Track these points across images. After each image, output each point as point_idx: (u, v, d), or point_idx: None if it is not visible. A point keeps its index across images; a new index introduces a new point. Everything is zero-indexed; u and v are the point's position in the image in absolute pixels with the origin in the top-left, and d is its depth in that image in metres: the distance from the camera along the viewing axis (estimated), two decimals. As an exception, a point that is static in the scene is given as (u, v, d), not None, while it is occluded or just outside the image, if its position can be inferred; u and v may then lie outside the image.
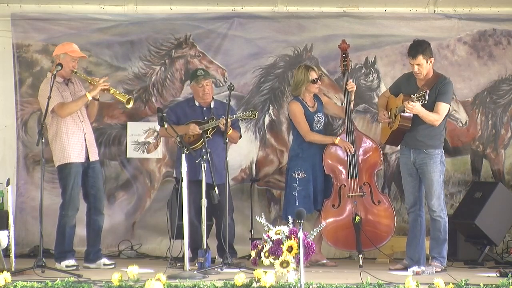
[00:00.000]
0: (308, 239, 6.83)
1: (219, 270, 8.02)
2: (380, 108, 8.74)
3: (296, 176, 8.95)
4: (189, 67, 9.92)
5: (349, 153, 8.92)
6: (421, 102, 8.11)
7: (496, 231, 9.14)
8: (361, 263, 8.66)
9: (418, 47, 8.31)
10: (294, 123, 9.07)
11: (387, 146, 9.74)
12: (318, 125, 9.07)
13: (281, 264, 6.83)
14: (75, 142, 8.49)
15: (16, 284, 6.83)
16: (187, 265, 7.67)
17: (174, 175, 9.25)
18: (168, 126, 8.24)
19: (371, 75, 9.94)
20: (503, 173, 9.89)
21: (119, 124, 9.84)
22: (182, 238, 7.73)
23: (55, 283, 6.87)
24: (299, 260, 6.53)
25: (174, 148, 9.74)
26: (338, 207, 8.93)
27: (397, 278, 7.21)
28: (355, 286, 6.88)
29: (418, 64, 8.30)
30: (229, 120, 8.65)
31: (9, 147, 9.91)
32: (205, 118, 8.96)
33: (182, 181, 7.70)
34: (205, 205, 7.97)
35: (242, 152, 9.87)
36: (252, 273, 6.90)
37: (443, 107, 8.26)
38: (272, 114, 9.96)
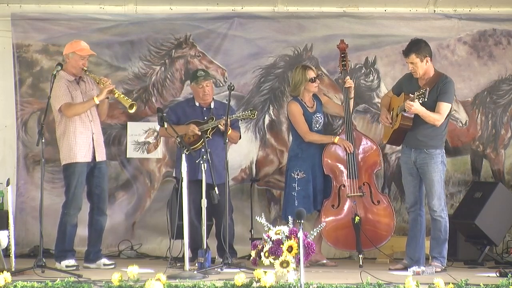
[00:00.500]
0: (308, 239, 6.83)
1: (219, 270, 8.02)
2: (383, 108, 8.74)
3: (296, 176, 8.95)
4: (189, 67, 9.92)
5: (348, 152, 8.92)
6: (421, 100, 8.10)
7: (496, 231, 9.14)
8: (361, 263, 8.66)
9: (412, 46, 8.33)
10: (293, 124, 9.07)
11: (387, 146, 9.75)
12: (317, 125, 9.07)
13: (281, 264, 6.83)
14: (82, 142, 8.50)
15: (16, 284, 6.83)
16: (187, 265, 7.67)
17: (174, 174, 9.25)
18: (168, 126, 8.24)
19: (371, 75, 9.94)
20: (503, 173, 9.89)
21: (119, 124, 9.84)
22: (182, 238, 7.73)
23: (55, 283, 6.87)
24: (299, 260, 6.53)
25: (174, 148, 9.74)
26: (338, 207, 8.93)
27: (397, 278, 7.22)
28: (355, 286, 6.88)
29: (411, 63, 8.32)
30: (228, 120, 8.65)
31: (9, 147, 9.91)
32: (205, 118, 8.96)
33: (182, 181, 7.70)
34: (205, 205, 7.97)
35: (242, 152, 9.87)
36: (252, 273, 6.90)
37: (444, 107, 8.26)
38: (272, 114, 9.96)
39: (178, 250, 8.59)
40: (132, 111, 8.55)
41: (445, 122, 8.35)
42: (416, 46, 8.31)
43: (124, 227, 9.85)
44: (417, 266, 8.11)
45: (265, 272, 6.76)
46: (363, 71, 9.93)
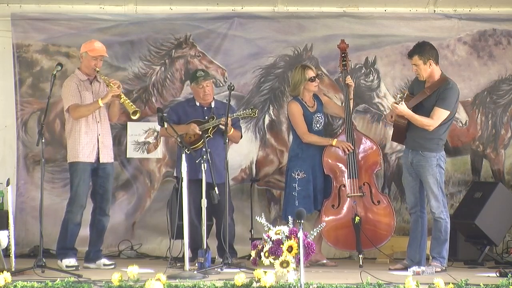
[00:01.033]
0: (308, 239, 6.83)
1: (219, 270, 8.02)
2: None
3: (296, 176, 8.96)
4: (189, 67, 9.92)
5: (347, 152, 8.92)
6: (400, 102, 8.13)
7: (496, 231, 9.14)
8: (361, 263, 8.66)
9: (416, 48, 8.33)
10: (292, 124, 9.07)
11: (387, 146, 9.77)
12: (318, 125, 9.07)
13: (281, 264, 6.83)
14: (86, 142, 8.50)
15: (16, 284, 6.83)
16: (187, 265, 7.67)
17: (175, 174, 9.25)
18: (168, 126, 8.24)
19: (371, 75, 9.94)
20: (503, 173, 9.90)
21: (119, 124, 9.83)
22: (182, 238, 7.73)
23: (55, 283, 6.87)
24: (299, 260, 6.53)
25: (174, 148, 9.74)
26: (338, 207, 8.93)
27: (397, 278, 7.21)
28: (355, 286, 6.88)
29: (414, 64, 8.32)
30: (230, 119, 8.65)
31: (9, 147, 9.91)
32: (206, 117, 8.96)
33: (182, 181, 7.70)
34: (205, 205, 7.97)
35: (242, 152, 9.87)
36: (252, 273, 6.90)
37: (439, 112, 8.23)
38: (272, 114, 9.96)
39: (178, 250, 8.59)
40: (135, 117, 8.57)
41: (444, 127, 8.30)
42: (420, 48, 8.31)
43: (124, 227, 9.85)
44: (417, 266, 8.11)
45: (265, 272, 6.76)
46: (363, 71, 9.93)
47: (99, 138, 8.58)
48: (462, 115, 9.88)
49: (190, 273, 7.52)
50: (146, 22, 9.96)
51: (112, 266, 8.50)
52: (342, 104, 9.39)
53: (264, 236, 7.01)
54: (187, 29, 9.95)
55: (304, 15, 9.98)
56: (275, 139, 9.97)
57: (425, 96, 8.32)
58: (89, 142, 8.53)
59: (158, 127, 9.56)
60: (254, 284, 6.75)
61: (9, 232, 7.94)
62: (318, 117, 9.08)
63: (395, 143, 9.55)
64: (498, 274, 7.72)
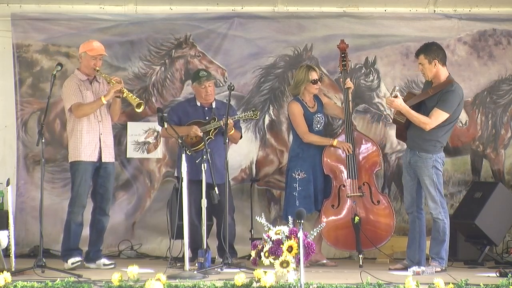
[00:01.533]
0: (308, 239, 6.83)
1: (219, 270, 8.02)
2: None
3: (297, 176, 8.96)
4: (189, 67, 9.92)
5: (347, 154, 8.92)
6: (393, 95, 8.17)
7: (496, 231, 9.14)
8: (361, 263, 8.67)
9: (423, 47, 8.35)
10: (293, 124, 9.07)
11: (387, 146, 9.77)
12: (318, 126, 9.07)
13: (281, 264, 6.82)
14: (88, 142, 8.51)
15: (16, 284, 6.83)
16: (187, 265, 7.67)
17: (176, 174, 9.25)
18: (168, 126, 8.24)
19: (371, 75, 9.94)
20: (503, 173, 9.90)
21: (119, 124, 9.82)
22: (182, 238, 7.73)
23: (55, 283, 6.87)
24: (299, 260, 6.53)
25: (174, 148, 9.74)
26: (338, 207, 8.93)
27: (397, 278, 7.21)
28: (355, 286, 6.88)
29: (420, 64, 8.33)
30: (231, 121, 8.65)
31: (9, 147, 9.91)
32: (207, 118, 8.96)
33: (182, 181, 7.70)
34: (205, 205, 7.97)
35: (242, 152, 9.87)
36: (252, 273, 6.90)
37: (437, 113, 8.21)
38: (272, 114, 9.96)
39: (178, 250, 8.59)
40: (139, 110, 8.58)
41: (443, 130, 8.28)
42: (426, 48, 8.32)
43: (124, 227, 9.85)
44: (417, 266, 8.11)
45: (265, 272, 6.76)
46: (363, 71, 9.93)
47: (101, 137, 8.59)
48: (462, 115, 9.85)
49: (190, 273, 7.51)
50: (146, 22, 9.96)
51: (112, 266, 8.51)
52: (342, 104, 9.39)
53: (264, 236, 7.00)
54: (187, 29, 9.95)
55: (304, 15, 9.98)
56: (275, 139, 9.97)
57: (427, 96, 8.32)
58: (91, 141, 8.53)
59: (158, 127, 9.57)
60: (254, 284, 6.75)
61: (9, 232, 7.94)
62: (319, 117, 9.08)
63: (395, 143, 9.56)
64: (498, 274, 7.72)
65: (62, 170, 9.67)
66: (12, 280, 6.93)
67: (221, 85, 9.81)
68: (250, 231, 9.48)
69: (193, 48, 9.96)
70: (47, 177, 9.49)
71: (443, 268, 8.26)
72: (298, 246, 6.63)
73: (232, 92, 8.59)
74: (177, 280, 6.95)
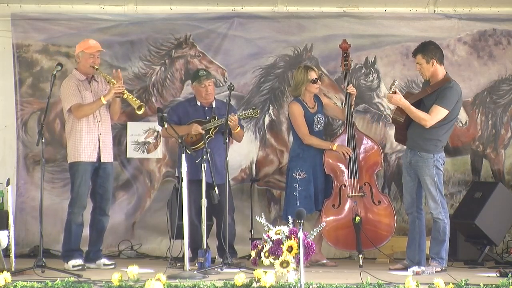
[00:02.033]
0: (308, 239, 6.83)
1: (219, 270, 8.02)
2: None
3: (297, 176, 8.96)
4: (189, 67, 9.92)
5: (347, 157, 8.92)
6: (391, 90, 8.20)
7: (496, 231, 9.14)
8: (361, 263, 8.66)
9: (420, 46, 8.37)
10: (293, 125, 9.07)
11: (387, 146, 9.77)
12: (319, 126, 9.07)
13: (281, 264, 6.83)
14: (87, 142, 8.50)
15: (16, 284, 6.83)
16: (187, 265, 7.67)
17: (176, 174, 9.24)
18: (168, 126, 8.24)
19: (371, 75, 9.94)
20: (503, 173, 9.90)
21: (119, 124, 9.83)
22: (182, 238, 7.74)
23: (55, 283, 6.87)
24: (299, 260, 6.53)
25: (174, 148, 9.74)
26: (338, 207, 8.94)
27: (397, 278, 7.22)
28: (355, 286, 6.88)
29: (417, 63, 8.34)
30: (236, 117, 8.67)
31: (9, 147, 9.91)
32: (207, 117, 8.96)
33: (182, 181, 7.70)
34: (205, 205, 7.97)
35: (242, 152, 9.87)
36: (252, 273, 6.90)
37: (436, 110, 8.22)
38: (272, 114, 9.95)
39: (178, 250, 8.59)
40: (140, 112, 8.58)
41: (443, 129, 8.29)
42: (424, 47, 8.34)
43: (124, 227, 9.85)
44: (417, 266, 8.11)
45: (265, 272, 6.76)
46: (363, 71, 9.93)
47: (100, 138, 8.58)
48: (462, 115, 9.87)
49: (190, 273, 7.52)
50: (146, 22, 9.95)
51: (112, 266, 8.51)
52: (342, 104, 9.39)
53: (264, 236, 7.01)
54: (187, 29, 9.94)
55: (304, 15, 9.98)
56: (275, 139, 9.97)
57: (425, 94, 8.33)
58: (91, 141, 8.53)
59: (158, 127, 9.57)
60: (254, 284, 6.75)
61: (9, 232, 7.94)
62: (319, 117, 9.08)
63: (395, 143, 9.55)
64: (498, 274, 7.72)
65: (62, 170, 9.67)
66: (12, 280, 6.93)
67: (221, 85, 9.81)
68: (250, 231, 9.48)
69: (193, 48, 9.96)
70: (47, 177, 9.49)
71: (443, 268, 8.26)
72: (298, 246, 6.63)
73: (232, 92, 8.60)
74: (177, 280, 6.95)
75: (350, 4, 9.95)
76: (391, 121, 8.67)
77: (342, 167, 8.98)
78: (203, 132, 8.81)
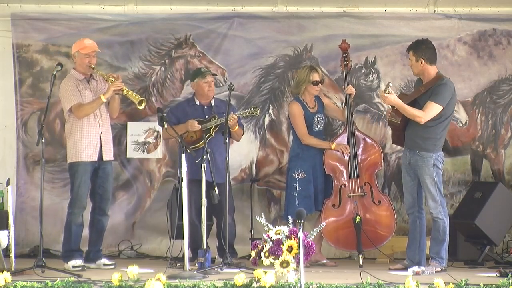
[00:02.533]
0: (308, 239, 6.83)
1: (219, 270, 8.02)
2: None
3: (297, 176, 8.96)
4: (189, 67, 9.92)
5: (346, 155, 8.92)
6: (387, 92, 8.24)
7: (496, 231, 9.14)
8: (361, 263, 8.66)
9: (413, 44, 8.45)
10: (293, 125, 9.08)
11: (387, 146, 9.77)
12: (319, 126, 9.07)
13: (281, 264, 6.83)
14: (88, 141, 8.50)
15: (16, 284, 6.83)
16: (187, 265, 7.67)
17: (178, 175, 9.19)
18: (168, 126, 8.24)
19: (371, 75, 9.94)
20: (503, 173, 9.89)
21: (119, 124, 9.83)
22: (182, 238, 7.74)
23: (55, 283, 6.87)
24: (299, 260, 6.53)
25: (174, 148, 9.74)
26: (339, 207, 8.94)
27: (397, 278, 7.22)
28: (355, 286, 6.88)
29: (409, 59, 8.41)
30: (236, 116, 8.68)
31: (9, 147, 9.90)
32: (206, 116, 8.95)
33: (182, 181, 7.70)
34: (205, 205, 7.97)
35: (242, 152, 9.87)
36: (252, 273, 6.90)
37: (430, 106, 8.24)
38: (272, 114, 9.95)
39: (178, 250, 8.59)
40: (141, 107, 8.57)
41: (440, 126, 8.30)
42: (415, 45, 8.41)
43: (124, 227, 9.85)
44: (417, 266, 8.11)
45: (265, 272, 6.76)
46: (363, 71, 9.93)
47: (101, 136, 8.58)
48: (462, 115, 9.88)
49: (190, 273, 7.52)
50: (146, 22, 9.95)
51: (112, 266, 8.51)
52: (342, 104, 9.39)
53: (264, 236, 7.01)
54: (187, 29, 9.94)
55: (304, 15, 9.97)
56: (275, 139, 9.97)
57: (419, 93, 8.37)
58: (92, 141, 8.53)
59: (158, 127, 9.57)
60: (254, 284, 6.75)
61: (9, 232, 7.95)
62: (319, 117, 9.08)
63: (395, 143, 9.56)
64: (498, 274, 7.72)
65: (62, 170, 9.66)
66: (12, 280, 6.93)
67: (221, 85, 9.81)
68: (250, 231, 9.48)
69: (193, 48, 9.96)
70: (47, 177, 9.49)
71: (443, 268, 8.26)
72: (298, 246, 6.63)
73: (232, 92, 8.60)
74: (177, 280, 6.95)
75: (350, 4, 9.95)
76: (387, 123, 8.69)
77: (342, 167, 8.99)
78: (199, 127, 8.81)
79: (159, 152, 9.93)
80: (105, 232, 8.81)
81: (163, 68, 9.96)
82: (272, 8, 10.03)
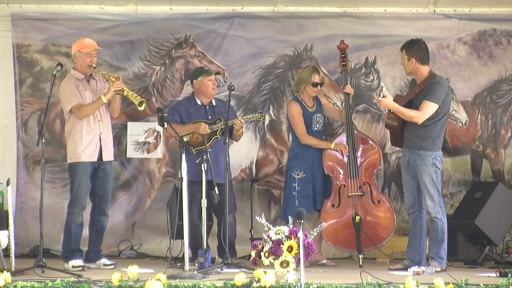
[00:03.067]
0: (308, 239, 6.83)
1: (219, 270, 8.03)
2: None
3: (296, 176, 8.96)
4: (189, 67, 9.92)
5: (345, 155, 8.92)
6: (381, 96, 8.28)
7: (496, 231, 9.14)
8: (361, 263, 8.66)
9: (406, 43, 8.51)
10: (292, 125, 9.09)
11: (387, 146, 9.77)
12: (318, 126, 9.08)
13: (281, 264, 6.83)
14: (88, 142, 8.49)
15: (16, 284, 6.83)
16: (187, 265, 7.67)
17: (179, 175, 9.12)
18: (172, 126, 8.24)
19: (371, 75, 9.94)
20: (503, 173, 9.90)
21: (119, 124, 9.83)
22: (182, 238, 7.74)
23: (55, 283, 6.87)
24: (299, 260, 6.53)
25: (174, 148, 9.74)
26: (338, 207, 8.94)
27: (397, 278, 7.21)
28: (355, 286, 6.88)
29: (402, 58, 8.46)
30: (243, 120, 8.77)
31: (9, 147, 9.90)
32: (209, 117, 8.93)
33: (182, 181, 7.70)
34: (205, 205, 7.97)
35: (242, 152, 9.87)
36: (252, 273, 6.90)
37: (426, 105, 8.27)
38: (272, 114, 9.96)
39: (178, 250, 8.59)
40: (141, 108, 8.57)
41: (438, 124, 8.31)
42: (408, 44, 8.48)
43: (124, 227, 9.85)
44: (417, 266, 8.11)
45: (265, 272, 6.76)
46: (363, 71, 9.94)
47: (101, 137, 8.58)
48: (462, 115, 9.88)
49: (190, 273, 7.52)
50: (146, 22, 9.95)
51: (112, 266, 8.51)
52: (342, 104, 9.39)
53: (264, 236, 7.01)
54: (187, 29, 9.94)
55: (304, 15, 9.98)
56: (275, 139, 9.97)
57: (414, 94, 8.41)
58: (92, 141, 8.52)
59: (158, 127, 9.57)
60: (254, 284, 6.75)
61: (9, 232, 7.95)
62: (318, 117, 9.08)
63: (395, 143, 9.56)
64: (498, 274, 7.72)
65: (62, 170, 9.66)
66: (12, 280, 6.93)
67: (221, 85, 9.80)
68: (250, 231, 9.48)
69: (193, 48, 9.96)
70: (47, 177, 9.49)
71: (443, 268, 8.26)
72: (298, 246, 6.63)
73: (232, 92, 8.60)
74: (177, 280, 6.95)
75: (350, 4, 9.95)
76: (384, 126, 8.72)
77: (342, 167, 8.98)
78: (209, 132, 8.81)
79: (159, 152, 9.93)
80: (105, 232, 8.81)
81: (163, 68, 9.96)
82: (272, 8, 10.03)
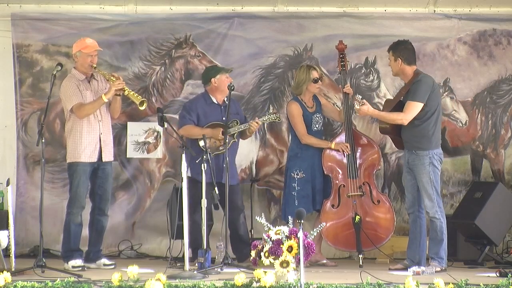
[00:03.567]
0: (308, 239, 6.83)
1: (219, 270, 8.03)
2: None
3: (295, 176, 8.96)
4: (189, 67, 9.92)
5: (346, 154, 8.93)
6: (357, 105, 8.40)
7: (496, 231, 9.14)
8: (361, 263, 8.66)
9: (393, 44, 8.58)
10: (292, 124, 9.09)
11: (387, 146, 9.78)
12: (317, 125, 9.08)
13: (281, 264, 6.83)
14: (88, 142, 8.49)
15: (16, 284, 6.83)
16: (187, 265, 7.67)
17: (189, 174, 8.97)
18: (193, 126, 8.27)
19: (371, 75, 9.94)
20: (503, 173, 9.90)
21: (119, 124, 9.83)
22: (182, 238, 7.74)
23: (55, 283, 6.87)
24: (299, 260, 6.53)
25: (174, 148, 9.74)
26: (338, 207, 8.94)
27: (397, 278, 7.22)
28: (355, 286, 6.89)
29: (389, 59, 8.54)
30: (260, 122, 8.93)
31: (9, 147, 9.91)
32: (223, 118, 8.82)
33: (182, 181, 7.71)
34: (205, 205, 7.98)
35: (242, 152, 9.84)
36: (252, 273, 6.90)
37: (409, 105, 8.32)
38: (272, 114, 9.95)
39: (178, 250, 8.59)
40: (143, 108, 8.57)
41: (430, 122, 8.32)
42: (395, 45, 8.54)
43: (124, 227, 9.85)
44: (417, 266, 8.12)
45: (265, 272, 6.76)
46: (363, 71, 9.94)
47: (101, 137, 8.58)
48: (462, 115, 9.89)
49: (190, 273, 7.52)
50: (146, 22, 9.96)
51: (112, 266, 8.51)
52: (342, 104, 9.39)
53: (264, 236, 7.01)
54: (187, 29, 9.94)
55: (304, 15, 9.98)
56: (275, 139, 9.97)
57: (401, 96, 8.52)
58: (92, 141, 8.52)
59: (158, 127, 9.57)
60: (254, 284, 6.75)
61: (9, 232, 7.95)
62: (318, 117, 9.09)
63: (395, 143, 9.57)
64: (498, 274, 7.73)
65: (62, 170, 9.66)
66: (12, 280, 6.93)
67: (221, 85, 9.80)
68: (250, 231, 9.47)
69: (193, 48, 9.96)
70: (47, 177, 9.49)
71: (443, 268, 8.27)
72: (298, 246, 6.63)
73: (232, 92, 8.60)
74: (177, 280, 6.96)
75: (350, 4, 9.95)
76: (380, 131, 8.77)
77: (341, 167, 8.99)
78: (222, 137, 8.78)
79: (159, 152, 9.94)
80: (105, 232, 8.81)
81: (163, 68, 9.96)
82: (272, 8, 10.03)
